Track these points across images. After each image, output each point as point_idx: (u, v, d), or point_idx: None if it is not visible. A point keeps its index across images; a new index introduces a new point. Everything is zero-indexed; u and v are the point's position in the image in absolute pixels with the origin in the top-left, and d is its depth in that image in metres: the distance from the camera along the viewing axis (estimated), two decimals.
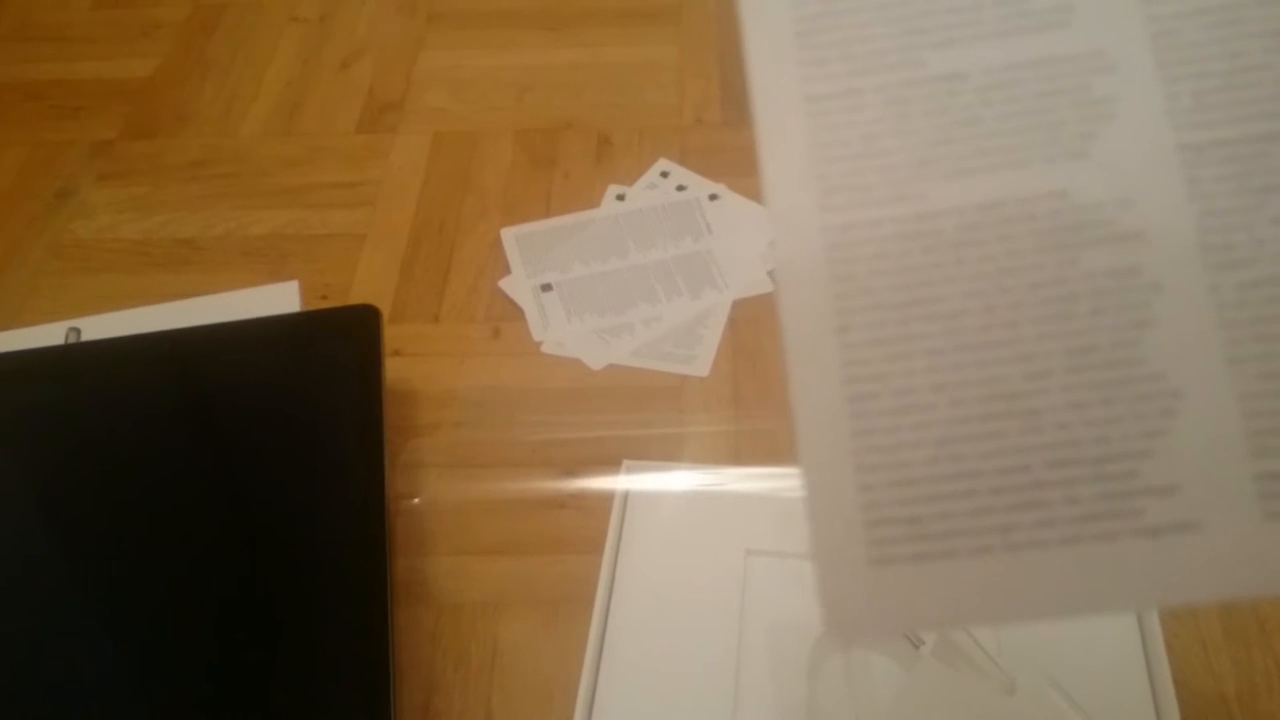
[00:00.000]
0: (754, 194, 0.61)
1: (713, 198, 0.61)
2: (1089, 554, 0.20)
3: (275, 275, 0.60)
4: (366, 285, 0.59)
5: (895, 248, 0.22)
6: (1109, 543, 0.20)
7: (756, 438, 0.51)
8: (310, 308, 0.58)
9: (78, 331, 0.56)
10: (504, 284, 0.58)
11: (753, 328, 0.55)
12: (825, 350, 0.22)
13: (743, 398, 0.53)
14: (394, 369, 0.54)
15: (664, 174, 0.63)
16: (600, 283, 0.58)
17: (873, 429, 0.21)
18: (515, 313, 0.57)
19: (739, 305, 0.56)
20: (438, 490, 0.50)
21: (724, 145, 0.65)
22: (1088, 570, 0.20)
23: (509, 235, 0.61)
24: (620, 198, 0.62)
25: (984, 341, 0.21)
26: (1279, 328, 0.21)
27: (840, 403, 0.22)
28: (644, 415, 0.52)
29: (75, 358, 0.52)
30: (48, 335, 0.56)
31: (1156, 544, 0.20)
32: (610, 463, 0.49)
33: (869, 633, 0.22)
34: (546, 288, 0.58)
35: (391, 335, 0.56)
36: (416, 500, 0.50)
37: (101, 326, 0.56)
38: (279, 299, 0.58)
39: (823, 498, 0.21)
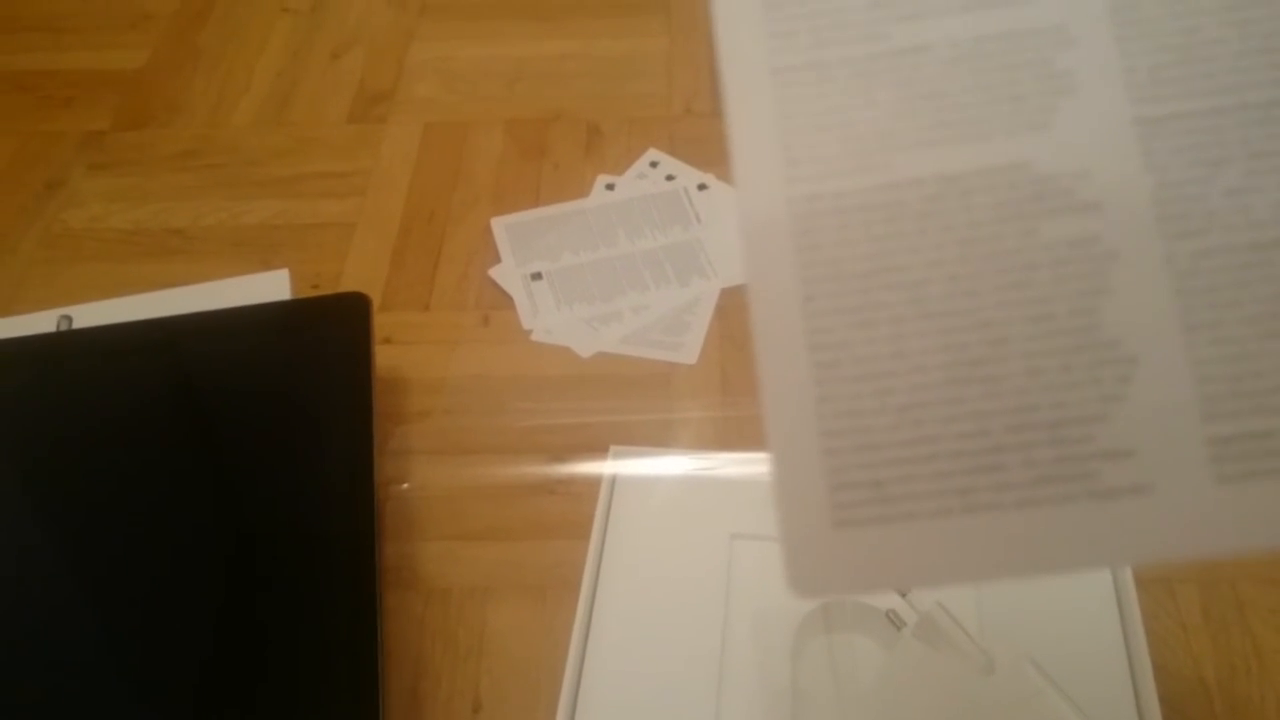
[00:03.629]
0: None
1: (701, 187, 0.62)
2: (1045, 516, 0.21)
3: (266, 265, 0.60)
4: (357, 274, 0.59)
5: (859, 218, 0.22)
6: (1064, 505, 0.21)
7: (743, 424, 0.51)
8: (301, 296, 0.58)
9: (69, 319, 0.56)
10: (494, 273, 0.59)
11: (741, 315, 0.56)
12: (791, 319, 0.22)
13: (730, 384, 0.53)
14: (384, 356, 0.54)
15: (653, 164, 0.64)
16: (589, 271, 0.58)
17: (837, 395, 0.22)
18: (505, 301, 0.57)
19: (727, 293, 0.57)
20: (427, 476, 0.50)
21: (713, 135, 0.65)
22: (1044, 531, 0.21)
23: (499, 224, 0.61)
24: (610, 187, 0.62)
25: (945, 310, 0.22)
26: (1231, 295, 0.21)
27: (806, 370, 0.22)
28: (632, 402, 0.53)
29: (66, 345, 0.53)
30: (39, 323, 0.56)
31: (1110, 506, 0.21)
32: (599, 449, 0.50)
33: (831, 592, 0.22)
34: (536, 276, 0.58)
35: (382, 323, 0.56)
36: (406, 486, 0.50)
37: (92, 314, 0.56)
38: (269, 287, 0.58)
39: (788, 462, 0.22)
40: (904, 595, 0.39)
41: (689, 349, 0.54)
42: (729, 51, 0.24)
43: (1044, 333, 0.21)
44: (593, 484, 0.48)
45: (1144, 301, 0.21)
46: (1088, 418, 0.21)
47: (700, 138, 0.65)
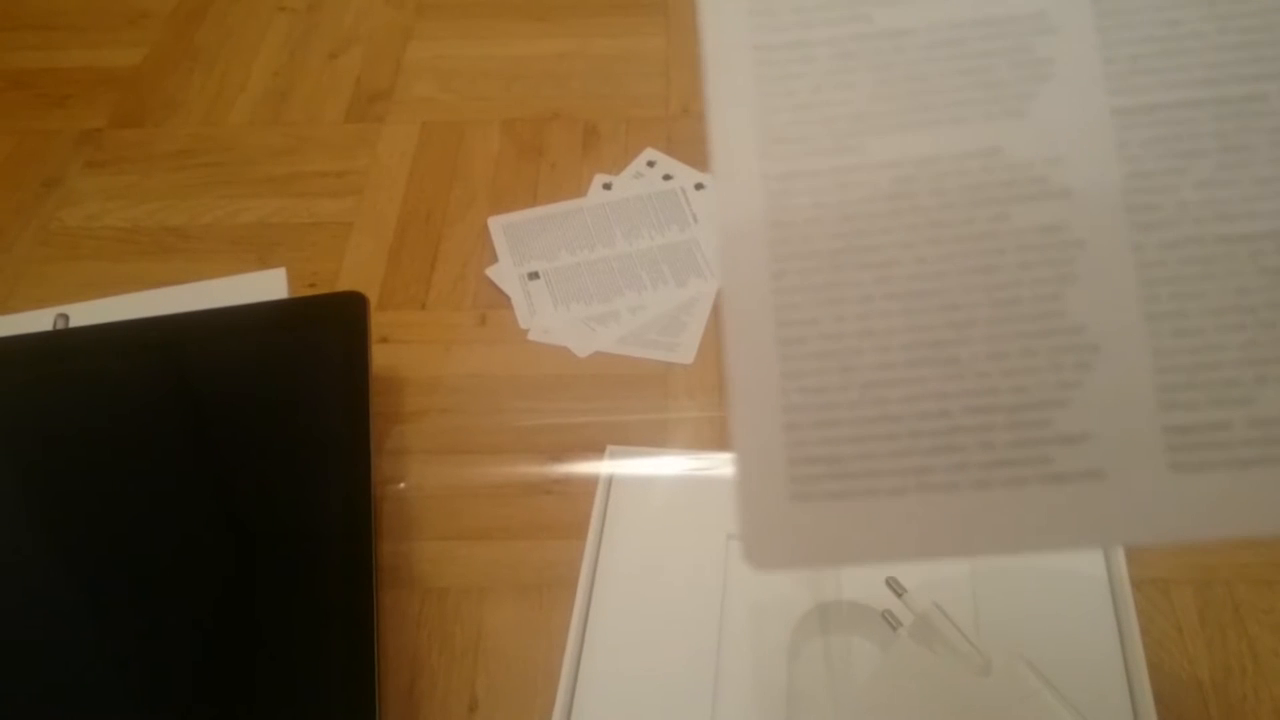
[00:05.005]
0: None
1: (699, 187, 0.62)
2: (999, 498, 0.21)
3: (263, 263, 0.60)
4: (354, 273, 0.59)
5: (833, 198, 0.23)
6: (1019, 487, 0.21)
7: None
8: (298, 295, 0.58)
9: (65, 318, 0.56)
10: (490, 272, 0.59)
11: None
12: (760, 294, 0.22)
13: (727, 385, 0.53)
14: (381, 355, 0.54)
15: (650, 163, 0.64)
16: (586, 271, 0.58)
17: (801, 371, 0.22)
18: (502, 300, 0.57)
19: None
20: (423, 476, 0.50)
21: None
22: (997, 513, 0.21)
23: (496, 224, 0.61)
24: (607, 187, 0.62)
25: (912, 290, 0.22)
26: (1195, 287, 0.21)
27: (771, 345, 0.22)
28: (629, 402, 0.53)
29: (63, 344, 0.52)
30: (35, 321, 0.56)
31: (1063, 490, 0.21)
32: (595, 449, 0.50)
33: (785, 565, 0.23)
34: (533, 276, 0.58)
35: (378, 322, 0.56)
36: (402, 485, 0.50)
37: (89, 313, 0.56)
38: (266, 286, 0.58)
39: (749, 435, 0.22)
40: (900, 595, 0.39)
41: (686, 349, 0.54)
42: (710, 28, 0.24)
43: (1008, 317, 0.22)
44: (589, 484, 0.48)
45: (1108, 290, 0.21)
46: (1047, 402, 0.21)
47: (698, 137, 0.65)
